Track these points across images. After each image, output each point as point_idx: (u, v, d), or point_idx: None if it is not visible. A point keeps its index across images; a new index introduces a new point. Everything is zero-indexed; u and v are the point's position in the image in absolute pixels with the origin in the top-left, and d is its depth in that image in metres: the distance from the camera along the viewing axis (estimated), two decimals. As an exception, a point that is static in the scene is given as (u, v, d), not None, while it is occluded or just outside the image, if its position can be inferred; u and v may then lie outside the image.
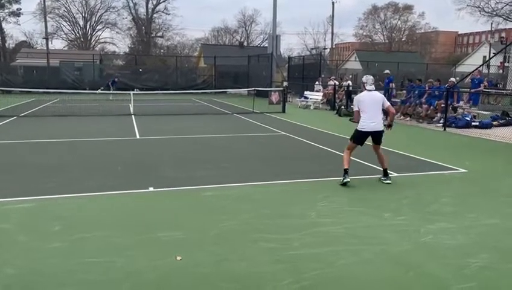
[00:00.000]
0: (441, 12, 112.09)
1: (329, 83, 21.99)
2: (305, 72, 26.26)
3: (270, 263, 3.79)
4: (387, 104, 6.77)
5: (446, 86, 14.68)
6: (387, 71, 18.38)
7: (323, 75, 25.30)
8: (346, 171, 6.36)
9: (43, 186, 6.14)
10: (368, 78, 6.72)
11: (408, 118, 15.56)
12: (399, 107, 16.47)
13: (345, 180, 6.30)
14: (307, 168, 7.68)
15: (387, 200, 5.73)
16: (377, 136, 6.66)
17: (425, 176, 7.16)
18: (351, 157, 6.68)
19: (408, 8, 69.14)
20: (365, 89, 6.62)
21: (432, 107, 14.88)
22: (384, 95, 17.01)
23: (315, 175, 7.04)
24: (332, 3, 47.50)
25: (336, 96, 20.12)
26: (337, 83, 21.05)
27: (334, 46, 56.03)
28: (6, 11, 60.83)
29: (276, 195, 5.92)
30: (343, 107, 17.75)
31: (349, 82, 20.88)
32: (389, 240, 4.35)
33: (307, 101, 21.29)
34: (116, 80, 28.50)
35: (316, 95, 21.62)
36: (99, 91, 23.85)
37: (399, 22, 69.88)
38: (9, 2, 60.47)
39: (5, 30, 61.39)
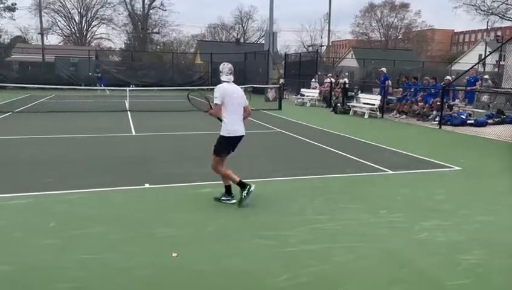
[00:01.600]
0: (437, 10, 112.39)
1: (325, 80, 22.01)
2: (302, 69, 26.25)
3: (266, 259, 3.81)
4: (247, 102, 5.44)
5: (442, 84, 14.73)
6: (383, 69, 18.43)
7: (319, 73, 25.32)
8: (242, 184, 5.17)
9: (39, 183, 6.12)
10: (223, 67, 5.29)
11: (404, 116, 15.61)
12: (395, 104, 16.53)
13: (229, 202, 5.22)
14: (303, 165, 7.70)
15: (383, 197, 5.75)
16: (238, 142, 5.36)
17: (421, 174, 7.20)
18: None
19: (404, 6, 69.25)
20: (223, 81, 5.23)
21: (427, 104, 14.94)
22: (380, 93, 17.15)
23: (311, 172, 7.06)
24: (329, 0, 47.45)
25: (332, 93, 20.15)
26: (333, 80, 21.07)
27: (330, 44, 56.02)
28: (1, 5, 60.41)
29: (273, 192, 5.93)
30: (339, 104, 17.78)
31: (346, 79, 20.92)
32: (384, 237, 4.38)
33: (303, 98, 21.29)
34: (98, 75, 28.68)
35: (312, 92, 21.64)
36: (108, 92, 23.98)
37: (395, 20, 70.03)
38: (4, -3, 60.03)
39: (0, 25, 61.14)
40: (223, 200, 5.35)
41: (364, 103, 16.82)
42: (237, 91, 5.27)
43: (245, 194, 5.14)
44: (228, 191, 5.36)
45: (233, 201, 5.29)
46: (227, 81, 5.23)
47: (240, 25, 66.48)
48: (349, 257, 3.90)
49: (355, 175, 6.97)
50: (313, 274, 3.56)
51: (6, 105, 17.09)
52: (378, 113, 15.97)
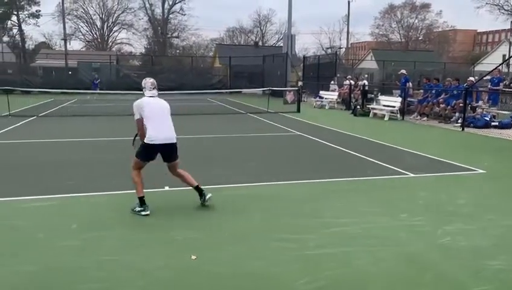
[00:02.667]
0: (459, 11, 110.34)
1: (344, 82, 21.85)
2: (320, 71, 26.11)
3: (285, 263, 3.79)
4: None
5: (465, 85, 14.43)
6: (403, 71, 18.17)
7: (338, 75, 25.14)
8: (142, 201, 5.01)
9: (62, 185, 6.25)
10: (145, 82, 5.35)
11: (425, 118, 15.36)
12: (416, 106, 16.28)
13: (144, 213, 4.95)
14: (321, 168, 7.65)
15: (404, 201, 5.67)
16: (168, 150, 5.34)
17: (443, 177, 7.06)
18: None
19: (425, 7, 68.20)
20: (145, 96, 5.27)
21: (449, 106, 14.66)
22: (401, 95, 16.90)
23: (331, 175, 7.01)
24: (348, 2, 47.18)
25: (352, 95, 19.98)
26: (352, 82, 20.90)
27: (349, 46, 55.61)
28: (25, 12, 62.18)
29: (292, 195, 5.91)
30: (358, 107, 17.61)
31: (365, 81, 20.70)
32: (405, 241, 4.31)
33: (322, 101, 21.18)
34: (97, 80, 29.02)
35: (331, 95, 21.50)
36: (89, 98, 24.15)
37: (416, 21, 69.01)
38: (29, 4, 61.79)
39: (24, 31, 62.85)
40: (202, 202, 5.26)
41: (384, 105, 16.61)
42: (160, 102, 5.31)
43: (138, 209, 4.98)
44: (199, 189, 5.32)
45: (209, 195, 5.25)
46: (151, 96, 5.25)
47: (259, 28, 66.65)
48: (369, 261, 3.85)
49: (375, 178, 6.88)
50: (332, 278, 3.53)
51: (31, 109, 17.53)
52: (398, 115, 15.76)
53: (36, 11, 62.25)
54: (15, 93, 21.70)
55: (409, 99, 16.94)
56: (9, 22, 62.35)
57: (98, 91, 25.34)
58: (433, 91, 15.98)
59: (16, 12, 61.18)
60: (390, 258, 3.90)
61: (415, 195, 5.94)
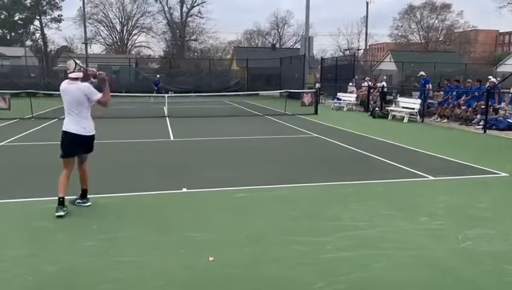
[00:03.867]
0: (480, 11, 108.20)
1: (363, 84, 21.65)
2: (338, 73, 25.95)
3: (302, 266, 3.76)
4: (98, 96, 5.17)
5: (486, 86, 14.13)
6: (422, 73, 17.90)
7: (356, 76, 24.94)
8: (61, 201, 4.91)
9: (78, 187, 6.32)
10: (69, 63, 5.15)
11: (445, 120, 15.09)
12: (436, 108, 16.02)
13: (58, 213, 4.85)
14: (339, 171, 7.58)
15: (424, 204, 5.57)
16: (82, 144, 5.17)
17: (464, 180, 6.91)
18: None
19: (446, 7, 67.07)
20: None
21: (470, 108, 14.37)
22: (420, 97, 16.63)
23: (348, 178, 6.94)
24: (367, 3, 46.83)
25: (370, 97, 19.79)
26: (371, 84, 20.70)
27: (368, 47, 55.11)
28: (48, 17, 63.72)
29: (309, 197, 5.87)
30: (377, 108, 17.42)
31: (384, 83, 20.49)
32: (425, 245, 4.23)
33: (340, 103, 21.03)
34: (158, 82, 29.07)
35: (349, 97, 21.34)
36: (152, 100, 24.47)
37: (436, 21, 67.92)
38: (51, 9, 63.27)
39: (47, 36, 64.36)
40: (78, 202, 5.32)
41: (403, 107, 16.40)
42: (69, 89, 5.12)
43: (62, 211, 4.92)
44: (84, 194, 5.37)
45: (88, 203, 5.33)
46: (72, 78, 5.09)
47: (276, 31, 66.68)
48: (388, 265, 3.79)
49: (394, 181, 6.78)
50: (350, 282, 3.48)
51: (52, 112, 17.87)
52: (418, 117, 15.53)
53: (58, 15, 63.81)
54: (38, 96, 22.16)
55: (428, 101, 16.68)
56: (32, 26, 64.06)
57: (156, 94, 25.61)
58: (454, 93, 15.69)
59: (38, 17, 62.75)
60: (409, 263, 3.84)
61: (435, 198, 5.83)
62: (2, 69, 34.24)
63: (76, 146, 5.17)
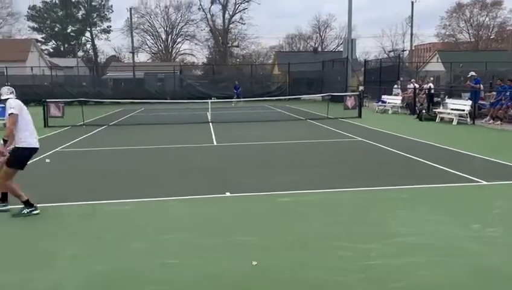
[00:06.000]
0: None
1: (408, 86, 21.03)
2: (383, 75, 25.35)
3: (347, 272, 3.69)
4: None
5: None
6: (472, 73, 17.11)
7: (402, 78, 24.26)
8: (29, 203, 5.30)
9: (129, 190, 6.57)
10: (1, 90, 5.49)
11: (499, 122, 14.34)
12: (488, 110, 15.27)
13: (35, 212, 5.29)
14: (386, 175, 7.38)
15: (476, 210, 5.31)
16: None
17: (520, 185, 6.53)
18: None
19: (497, 4, 63.86)
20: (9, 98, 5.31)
21: (526, 109, 13.58)
22: (471, 98, 15.90)
23: (395, 182, 6.75)
24: (412, 3, 45.48)
25: (417, 99, 19.18)
26: (417, 85, 20.06)
27: (413, 48, 53.44)
28: (98, 28, 66.85)
29: (354, 202, 5.76)
30: (424, 111, 16.85)
31: (431, 84, 19.80)
32: (478, 253, 4.03)
33: (384, 106, 20.54)
34: (238, 87, 29.41)
35: (394, 99, 20.78)
36: (233, 104, 25.05)
37: (487, 19, 64.85)
38: (101, 21, 66.34)
39: (97, 46, 67.47)
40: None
41: (452, 109, 15.76)
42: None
43: (26, 212, 5.25)
44: (4, 198, 5.45)
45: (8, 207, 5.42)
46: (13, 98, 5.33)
47: (318, 34, 66.19)
48: (437, 272, 3.63)
49: (444, 186, 6.52)
50: None
51: (102, 119, 18.66)
52: (468, 119, 14.86)
53: (107, 26, 66.88)
54: (89, 104, 23.25)
55: (480, 102, 15.93)
56: (83, 38, 67.40)
57: (237, 99, 26.32)
58: (507, 93, 14.89)
59: (89, 29, 65.96)
60: (460, 271, 3.67)
61: (489, 204, 5.54)
62: (56, 79, 36.17)
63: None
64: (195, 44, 64.90)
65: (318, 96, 26.52)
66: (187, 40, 64.90)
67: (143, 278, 3.65)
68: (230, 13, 60.75)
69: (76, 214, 5.45)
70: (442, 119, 15.70)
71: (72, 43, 66.14)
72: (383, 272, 3.68)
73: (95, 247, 4.35)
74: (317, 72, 32.86)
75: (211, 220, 5.12)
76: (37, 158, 9.14)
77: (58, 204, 5.82)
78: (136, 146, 11.21)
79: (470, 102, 15.36)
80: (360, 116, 17.42)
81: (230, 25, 61.56)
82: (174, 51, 66.26)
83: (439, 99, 17.87)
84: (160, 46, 66.16)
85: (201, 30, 63.67)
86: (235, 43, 62.18)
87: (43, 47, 61.96)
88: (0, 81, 32.88)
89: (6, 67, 32.40)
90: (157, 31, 64.41)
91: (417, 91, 19.45)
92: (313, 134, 12.98)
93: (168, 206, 5.73)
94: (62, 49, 66.32)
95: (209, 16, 60.95)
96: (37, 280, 3.66)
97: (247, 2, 60.56)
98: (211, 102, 19.63)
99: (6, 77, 32.51)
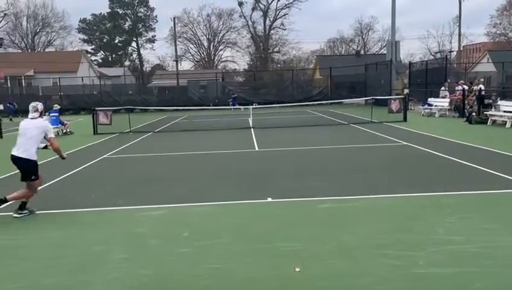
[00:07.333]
0: None
1: (456, 88, 20.20)
2: (429, 77, 24.51)
3: (393, 281, 3.58)
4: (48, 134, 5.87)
5: None
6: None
7: (449, 80, 23.35)
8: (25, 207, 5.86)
9: (173, 195, 6.72)
10: (30, 106, 5.96)
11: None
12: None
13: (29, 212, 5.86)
14: (434, 181, 7.11)
15: (532, 218, 5.00)
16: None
17: None
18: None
19: (553, -1, 60.20)
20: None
21: None
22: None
23: (444, 188, 6.48)
24: (459, 2, 43.78)
25: (466, 102, 18.38)
26: (466, 87, 19.23)
27: (461, 48, 51.32)
28: (143, 38, 69.24)
29: (399, 209, 5.60)
30: (474, 113, 16.12)
31: (481, 86, 18.93)
32: (535, 264, 3.79)
33: (431, 109, 19.85)
34: (235, 95, 30.29)
35: (441, 102, 20.03)
36: (242, 109, 25.72)
37: (541, 15, 61.22)
38: (146, 31, 68.68)
39: (142, 55, 69.87)
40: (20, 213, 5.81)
41: (505, 111, 14.97)
42: (26, 124, 5.88)
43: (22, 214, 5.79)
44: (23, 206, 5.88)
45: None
46: (31, 118, 5.86)
47: (360, 37, 65.14)
48: (489, 284, 3.45)
49: (496, 192, 6.19)
50: (447, 301, 3.23)
51: (148, 126, 19.25)
52: (523, 121, 14.06)
53: (152, 36, 69.10)
54: (135, 112, 24.07)
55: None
56: (130, 48, 70.02)
57: (236, 106, 26.97)
58: None
59: (135, 39, 68.45)
60: (517, 283, 3.46)
61: (546, 212, 5.21)
62: (104, 88, 37.75)
63: None
64: (237, 51, 65.79)
65: (361, 100, 26.04)
66: (228, 47, 65.94)
67: (186, 283, 3.71)
68: (271, 19, 61.10)
69: (123, 218, 5.64)
70: (494, 122, 14.96)
71: (119, 53, 68.89)
72: (431, 281, 3.53)
73: (140, 251, 4.47)
74: (360, 76, 32.30)
75: (253, 226, 5.13)
76: (86, 165, 9.57)
77: (107, 208, 6.06)
78: (181, 152, 11.46)
79: (524, 103, 14.54)
80: (405, 119, 16.93)
81: (271, 31, 61.90)
82: (216, 58, 67.49)
83: (491, 101, 17.04)
84: (203, 53, 67.57)
85: (243, 37, 64.44)
86: (276, 49, 62.37)
87: (93, 58, 64.95)
88: (53, 91, 34.96)
89: (59, 78, 34.28)
90: (199, 39, 65.88)
91: (466, 93, 18.66)
92: (357, 139, 12.74)
93: (212, 212, 5.81)
94: (110, 59, 69.22)
95: (250, 23, 61.64)
96: (86, 283, 3.80)
97: (288, 7, 60.75)
98: (253, 108, 19.78)
99: (59, 87, 34.38)
